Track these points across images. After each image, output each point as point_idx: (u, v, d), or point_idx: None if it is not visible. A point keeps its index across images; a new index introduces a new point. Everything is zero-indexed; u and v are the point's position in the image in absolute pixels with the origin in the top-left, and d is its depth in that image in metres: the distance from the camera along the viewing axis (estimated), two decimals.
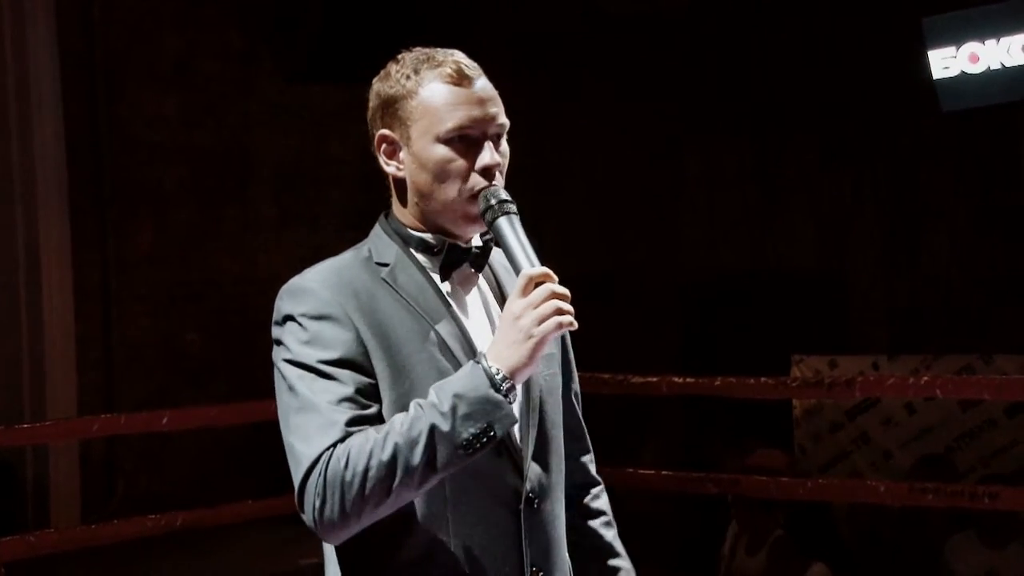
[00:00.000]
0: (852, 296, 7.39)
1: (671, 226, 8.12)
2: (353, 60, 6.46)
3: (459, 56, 1.81)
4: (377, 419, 1.70)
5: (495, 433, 1.63)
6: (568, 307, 1.66)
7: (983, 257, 6.92)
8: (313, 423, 1.66)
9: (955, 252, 7.00)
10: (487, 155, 1.77)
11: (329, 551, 1.81)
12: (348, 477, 1.61)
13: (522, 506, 1.77)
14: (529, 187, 7.95)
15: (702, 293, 7.95)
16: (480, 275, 1.86)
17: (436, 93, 1.78)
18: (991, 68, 5.61)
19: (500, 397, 1.63)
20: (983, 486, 4.45)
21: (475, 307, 1.84)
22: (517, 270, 1.72)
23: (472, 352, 1.77)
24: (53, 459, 5.89)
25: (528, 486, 1.78)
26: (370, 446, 1.62)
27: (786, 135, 7.60)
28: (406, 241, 1.82)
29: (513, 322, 1.66)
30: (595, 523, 2.02)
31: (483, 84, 1.80)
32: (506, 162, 1.82)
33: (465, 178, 1.77)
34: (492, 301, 1.86)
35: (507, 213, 1.75)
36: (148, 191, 6.60)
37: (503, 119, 1.81)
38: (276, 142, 7.05)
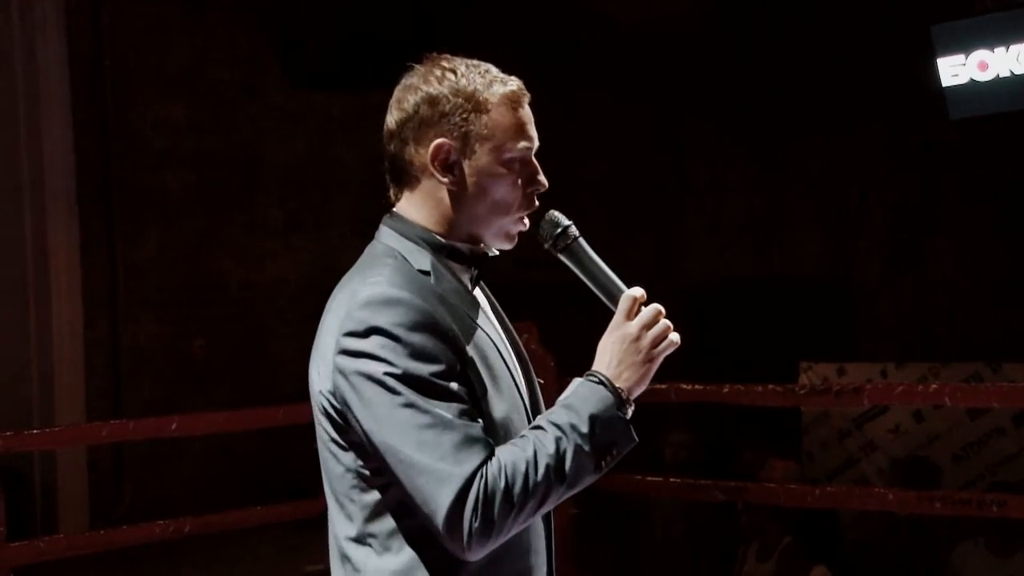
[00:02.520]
0: (859, 303, 7.38)
1: (678, 233, 8.12)
2: (359, 67, 6.47)
3: (511, 77, 1.84)
4: (487, 431, 1.68)
5: (621, 452, 1.69)
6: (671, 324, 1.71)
7: (991, 265, 6.91)
8: (451, 440, 1.62)
9: (963, 260, 6.99)
10: (539, 175, 1.82)
11: (366, 560, 1.73)
12: (509, 496, 1.61)
13: (552, 513, 1.82)
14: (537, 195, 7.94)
15: (709, 300, 7.94)
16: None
17: (506, 115, 1.79)
18: (1000, 76, 5.61)
19: (627, 418, 1.69)
20: (991, 494, 4.44)
21: (488, 314, 1.86)
22: (608, 293, 1.76)
23: (504, 356, 1.80)
24: (61, 464, 5.90)
25: None
26: (524, 467, 1.62)
27: (793, 142, 7.60)
28: (435, 249, 1.79)
29: (632, 344, 1.70)
30: None
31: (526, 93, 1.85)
32: None
33: (520, 199, 1.80)
34: (489, 309, 1.88)
35: (577, 238, 1.80)
36: (156, 196, 6.61)
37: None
38: (283, 148, 7.07)
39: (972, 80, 5.68)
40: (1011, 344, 6.46)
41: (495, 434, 1.69)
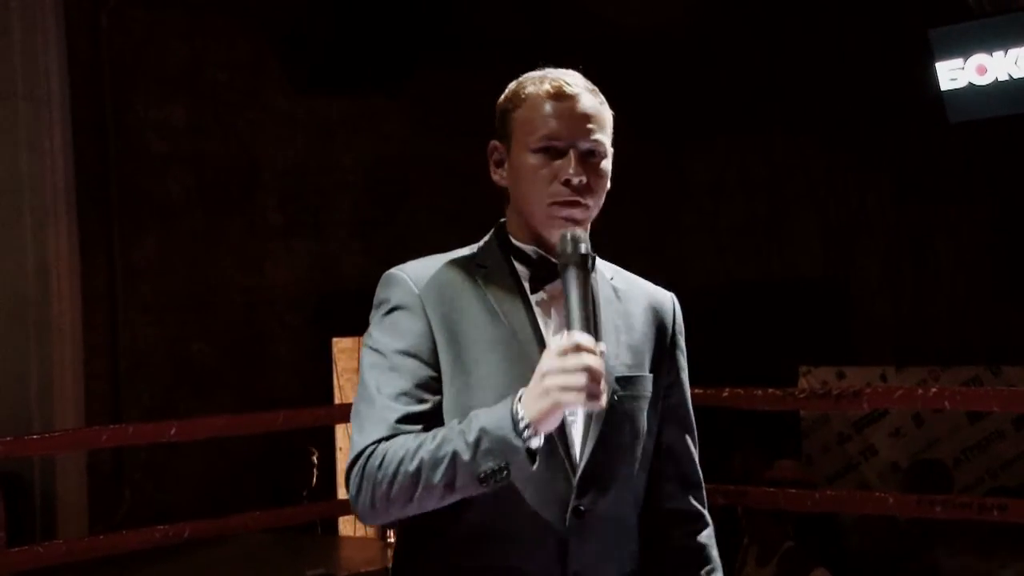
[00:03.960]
0: (859, 306, 7.39)
1: (676, 235, 8.13)
2: (360, 70, 6.47)
3: (568, 76, 1.90)
4: (431, 415, 1.78)
5: (510, 473, 1.68)
6: (599, 388, 1.65)
7: (990, 268, 6.92)
8: (369, 415, 1.78)
9: (962, 263, 6.99)
10: (568, 168, 1.82)
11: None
12: (378, 478, 1.72)
13: (569, 515, 1.80)
14: None
15: (708, 303, 7.93)
16: None
17: (534, 107, 1.86)
18: (999, 80, 5.61)
19: (518, 443, 1.67)
20: (992, 498, 4.44)
21: (560, 323, 1.84)
22: (568, 327, 1.73)
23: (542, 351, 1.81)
24: (61, 469, 5.89)
25: (578, 498, 1.81)
26: (402, 454, 1.71)
27: (792, 145, 7.60)
28: (508, 249, 1.90)
29: (540, 377, 1.68)
30: (682, 561, 1.98)
31: (586, 102, 1.88)
32: (602, 182, 1.87)
33: (547, 189, 1.83)
34: (561, 314, 1.87)
35: (576, 264, 1.76)
36: (155, 200, 6.60)
37: (598, 136, 1.87)
38: (283, 151, 7.06)
39: (971, 84, 5.68)
40: (1011, 347, 6.46)
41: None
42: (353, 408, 1.82)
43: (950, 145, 6.84)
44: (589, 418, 1.83)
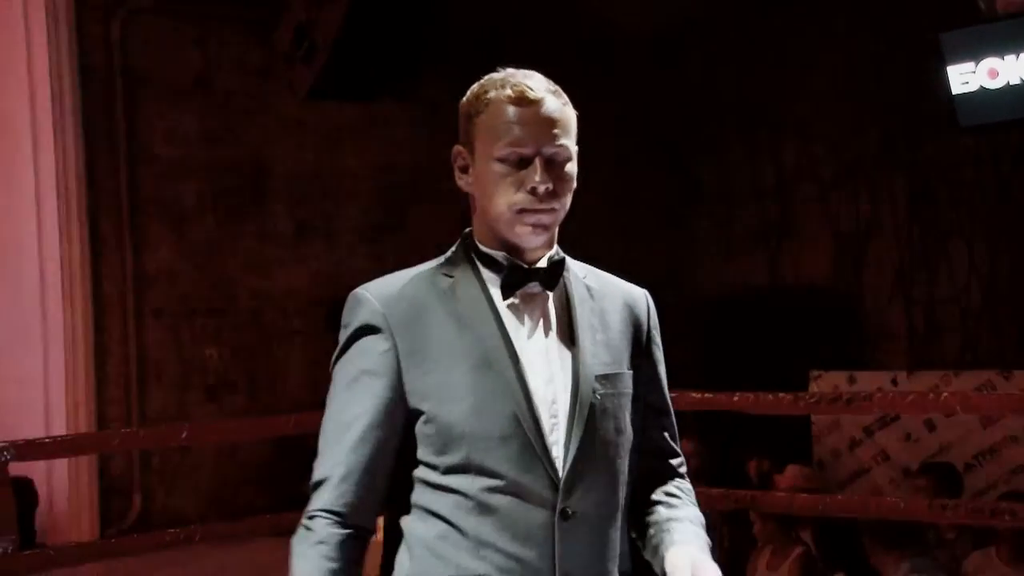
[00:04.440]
0: (870, 311, 7.37)
1: (688, 242, 8.12)
2: (369, 77, 6.48)
3: (530, 79, 1.85)
4: (394, 435, 1.80)
5: None
6: None
7: (1002, 272, 6.89)
8: (330, 444, 1.82)
9: (974, 268, 6.97)
10: (535, 176, 1.80)
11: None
12: (293, 549, 1.83)
13: (556, 518, 1.80)
14: None
15: (719, 308, 7.93)
16: (551, 294, 1.88)
17: (496, 113, 1.83)
18: (1010, 83, 5.59)
19: None
20: (1005, 503, 4.42)
21: (532, 327, 1.86)
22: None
23: (517, 370, 1.81)
24: (72, 473, 5.91)
25: (564, 499, 1.81)
26: (295, 550, 1.82)
27: (804, 150, 7.59)
28: (476, 256, 1.88)
29: None
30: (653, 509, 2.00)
31: (550, 106, 1.84)
32: (568, 185, 1.85)
33: (514, 193, 1.81)
34: (552, 325, 1.87)
35: None
36: (167, 205, 6.63)
37: (563, 140, 1.84)
38: (293, 157, 7.09)
39: (982, 87, 5.66)
40: (1023, 352, 6.43)
41: (449, 437, 1.78)
42: (322, 423, 1.85)
43: (961, 149, 6.82)
44: (572, 419, 1.83)
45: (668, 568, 1.84)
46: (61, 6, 6.09)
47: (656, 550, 1.92)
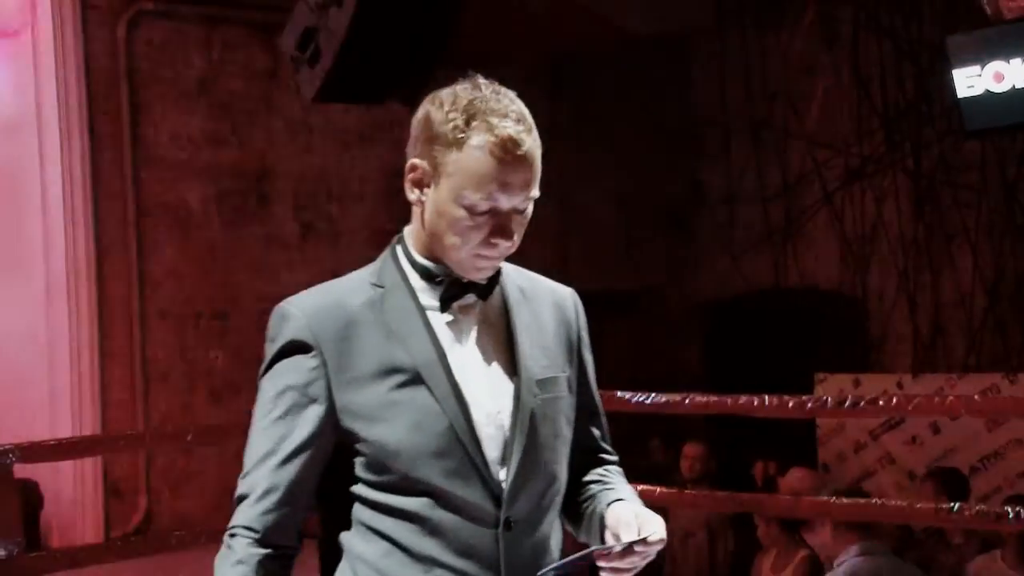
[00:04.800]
0: (875, 314, 7.36)
1: (693, 243, 8.11)
2: (376, 80, 6.48)
3: (514, 121, 1.75)
4: (316, 451, 1.78)
5: None
6: None
7: (1007, 276, 6.88)
8: (252, 457, 1.81)
9: (979, 271, 6.96)
10: (501, 231, 1.76)
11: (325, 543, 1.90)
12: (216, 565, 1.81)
13: (500, 530, 1.79)
14: (553, 205, 7.96)
15: (724, 311, 7.93)
16: (487, 303, 1.84)
17: (477, 160, 1.73)
18: (1016, 87, 5.57)
19: None
20: (1010, 506, 4.40)
21: (470, 338, 1.83)
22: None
23: (452, 383, 1.77)
24: (77, 476, 5.92)
25: (507, 511, 1.79)
26: (217, 570, 1.80)
27: (809, 153, 7.59)
28: (412, 265, 1.83)
29: None
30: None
31: (529, 157, 1.75)
32: (525, 225, 1.80)
33: (473, 244, 1.76)
34: (490, 332, 1.84)
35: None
36: (172, 209, 6.64)
37: (534, 191, 1.78)
38: (299, 160, 7.09)
39: (988, 91, 5.64)
40: None
41: (385, 455, 1.75)
42: (248, 437, 1.83)
43: (966, 152, 6.81)
44: (514, 428, 1.80)
45: (611, 522, 1.81)
46: (67, 8, 6.10)
47: (592, 517, 1.91)
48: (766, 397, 4.19)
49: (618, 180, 7.88)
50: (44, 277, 6.10)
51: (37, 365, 6.05)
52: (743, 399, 4.23)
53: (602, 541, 1.81)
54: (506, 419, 1.80)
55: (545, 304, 1.92)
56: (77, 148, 6.13)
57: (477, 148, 1.73)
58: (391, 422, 1.75)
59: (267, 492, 1.78)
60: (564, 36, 7.28)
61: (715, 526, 5.93)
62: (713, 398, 4.36)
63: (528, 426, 1.81)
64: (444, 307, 1.81)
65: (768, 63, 7.59)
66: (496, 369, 1.82)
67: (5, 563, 3.50)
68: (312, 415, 1.77)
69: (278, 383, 1.79)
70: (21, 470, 4.88)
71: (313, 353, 1.77)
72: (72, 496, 5.96)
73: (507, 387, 1.82)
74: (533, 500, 1.83)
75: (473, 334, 1.83)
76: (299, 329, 1.79)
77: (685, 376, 7.44)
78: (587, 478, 1.97)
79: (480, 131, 1.73)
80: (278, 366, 1.80)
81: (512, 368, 1.83)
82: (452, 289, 1.81)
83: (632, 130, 7.78)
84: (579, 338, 1.96)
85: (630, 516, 1.79)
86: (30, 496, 5.46)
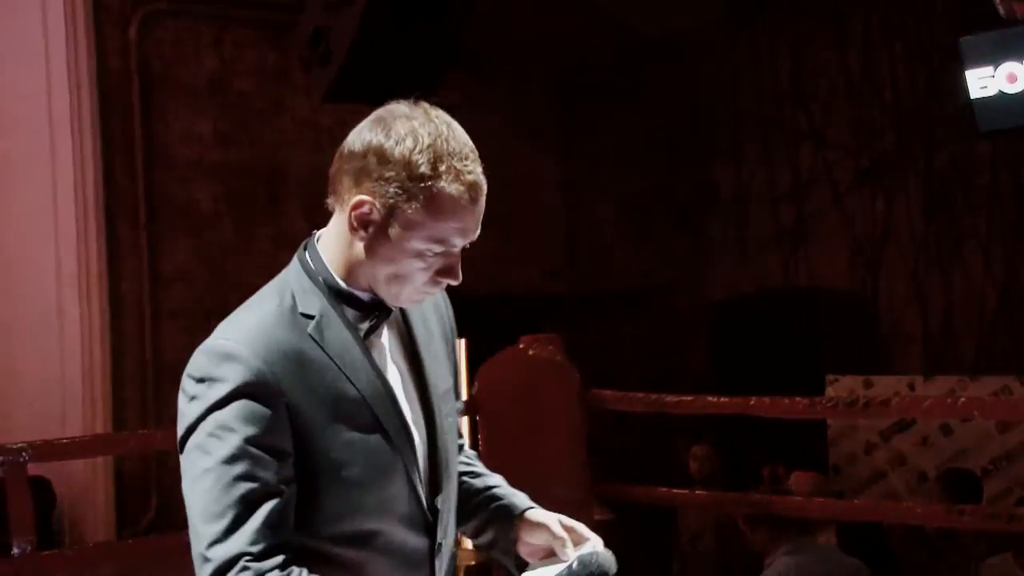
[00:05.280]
0: (886, 315, 7.34)
1: (703, 245, 8.10)
2: (386, 80, 6.49)
3: (474, 168, 1.68)
4: (277, 498, 1.62)
5: None
6: None
7: (1019, 277, 6.86)
8: (218, 521, 1.63)
9: (991, 272, 6.94)
10: (450, 270, 1.71)
11: None
12: None
13: (434, 555, 1.78)
14: (562, 206, 7.98)
15: (734, 312, 7.91)
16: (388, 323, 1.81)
17: (438, 213, 1.65)
18: None
19: None
20: (1021, 507, 4.40)
21: (388, 359, 1.78)
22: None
23: (396, 411, 1.73)
24: (89, 474, 5.93)
25: (439, 537, 1.79)
26: None
27: (819, 153, 7.57)
28: (334, 292, 1.73)
29: None
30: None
31: (480, 193, 1.69)
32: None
33: (423, 282, 1.72)
34: (398, 350, 1.80)
35: None
36: (183, 208, 6.66)
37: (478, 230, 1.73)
38: (309, 159, 7.10)
39: (1001, 92, 5.63)
40: None
41: (347, 491, 1.66)
42: (194, 482, 1.63)
43: (978, 153, 6.79)
44: (432, 451, 1.77)
45: (535, 524, 1.84)
46: (79, 8, 6.12)
47: (495, 518, 1.90)
48: (777, 398, 4.19)
49: (628, 180, 7.88)
50: (55, 276, 6.11)
51: (49, 364, 6.06)
52: (754, 400, 4.23)
53: (516, 545, 1.87)
54: (426, 445, 1.77)
55: (427, 306, 1.87)
56: (89, 147, 6.15)
57: (440, 200, 1.65)
58: (353, 470, 1.66)
59: (265, 552, 1.60)
60: (574, 36, 7.28)
61: (726, 527, 5.92)
62: (724, 399, 4.35)
63: (446, 448, 1.80)
64: (369, 332, 1.75)
65: (779, 63, 7.57)
66: (411, 391, 1.79)
67: (18, 561, 3.51)
68: (272, 463, 1.61)
69: (239, 435, 1.60)
70: (34, 468, 4.90)
71: (273, 398, 1.62)
72: (84, 495, 5.97)
73: (421, 410, 1.78)
74: (450, 517, 1.83)
75: (387, 355, 1.78)
76: (251, 371, 1.62)
77: (694, 377, 7.43)
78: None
79: (448, 179, 1.65)
80: (230, 413, 1.61)
81: (420, 386, 1.79)
82: (375, 310, 1.75)
83: (642, 130, 7.78)
84: (452, 330, 1.93)
85: (552, 520, 1.83)
86: (43, 494, 5.47)
